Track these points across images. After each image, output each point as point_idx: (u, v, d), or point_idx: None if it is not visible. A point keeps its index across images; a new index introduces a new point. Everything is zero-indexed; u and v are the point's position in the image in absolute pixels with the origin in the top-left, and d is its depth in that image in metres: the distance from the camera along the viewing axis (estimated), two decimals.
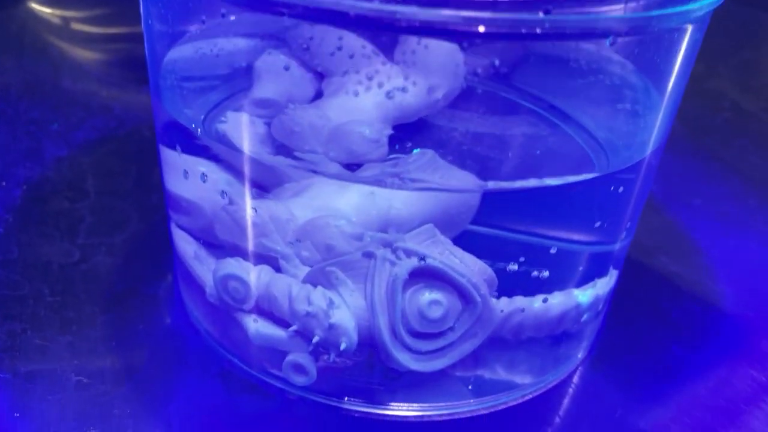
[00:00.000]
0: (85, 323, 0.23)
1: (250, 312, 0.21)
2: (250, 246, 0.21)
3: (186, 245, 0.23)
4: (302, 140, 0.23)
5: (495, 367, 0.24)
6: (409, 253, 0.20)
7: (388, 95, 0.24)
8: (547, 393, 0.23)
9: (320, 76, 0.26)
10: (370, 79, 0.24)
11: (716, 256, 0.30)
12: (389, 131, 0.23)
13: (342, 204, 0.21)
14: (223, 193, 0.21)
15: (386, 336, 0.20)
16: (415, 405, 0.22)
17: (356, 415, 0.21)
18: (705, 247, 0.31)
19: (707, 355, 0.24)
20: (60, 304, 0.23)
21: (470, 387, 0.23)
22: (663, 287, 0.28)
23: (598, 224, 0.22)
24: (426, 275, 0.20)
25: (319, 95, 0.25)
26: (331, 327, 0.20)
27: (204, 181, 0.21)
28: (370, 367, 0.22)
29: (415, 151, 0.23)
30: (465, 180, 0.22)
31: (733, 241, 0.31)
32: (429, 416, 0.22)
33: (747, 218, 0.33)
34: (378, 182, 0.21)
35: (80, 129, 0.33)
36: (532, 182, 0.20)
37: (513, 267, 0.21)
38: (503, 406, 0.22)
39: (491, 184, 0.21)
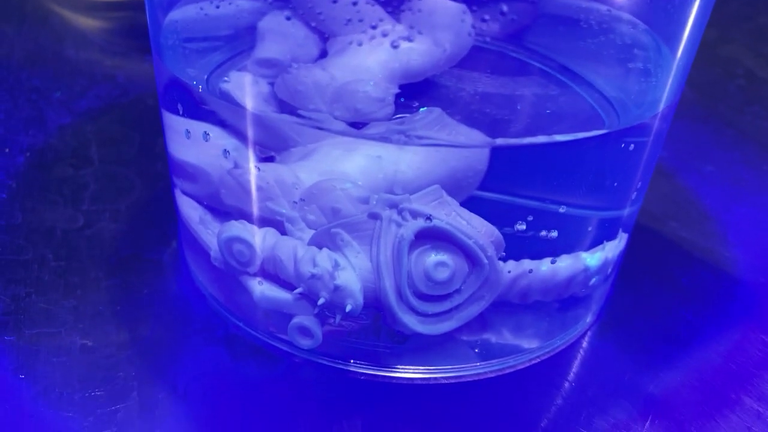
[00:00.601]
0: (90, 288, 0.23)
1: (255, 275, 0.21)
2: (255, 209, 0.21)
3: (190, 210, 0.23)
4: (306, 99, 0.22)
5: (502, 331, 0.23)
6: (415, 214, 0.20)
7: (394, 54, 0.24)
8: (554, 357, 0.23)
9: (325, 38, 0.25)
10: (374, 38, 0.24)
11: (728, 222, 0.29)
12: (395, 90, 0.23)
13: (348, 167, 0.21)
14: (225, 152, 0.20)
15: (392, 298, 0.20)
16: (422, 368, 0.22)
17: (362, 377, 0.21)
18: (716, 213, 0.30)
19: (717, 320, 0.24)
20: (64, 268, 0.23)
21: (477, 350, 0.23)
22: (673, 253, 0.27)
23: (607, 184, 0.21)
24: (432, 236, 0.20)
25: (323, 56, 0.25)
26: (337, 289, 0.20)
27: (207, 141, 0.21)
28: (376, 330, 0.22)
29: (422, 109, 0.22)
30: (473, 137, 0.21)
31: (745, 208, 0.30)
32: (435, 379, 0.22)
33: (760, 184, 0.32)
34: (384, 139, 0.20)
35: (84, 97, 0.33)
36: (540, 139, 0.20)
37: (521, 228, 0.20)
38: (510, 370, 0.22)
39: (500, 141, 0.21)
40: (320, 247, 0.20)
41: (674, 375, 0.22)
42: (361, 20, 0.24)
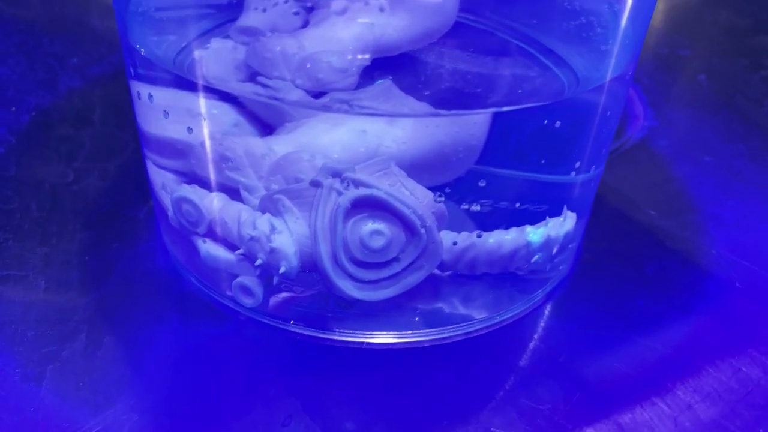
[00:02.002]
0: (65, 238, 0.24)
1: (204, 236, 0.22)
2: (216, 177, 0.22)
3: (155, 175, 0.24)
4: (272, 67, 0.23)
5: (452, 301, 0.24)
6: (357, 183, 0.21)
7: (368, 28, 0.24)
8: (501, 329, 0.23)
9: (310, 8, 0.26)
10: (354, 10, 0.24)
11: (712, 215, 0.29)
12: (362, 62, 0.23)
13: (328, 141, 0.22)
14: (189, 129, 0.21)
15: (327, 263, 0.21)
16: (365, 332, 0.23)
17: (298, 338, 0.22)
18: (703, 205, 0.29)
19: (670, 311, 0.24)
20: (45, 219, 0.25)
21: (426, 318, 0.23)
22: (644, 241, 0.27)
23: (544, 153, 0.21)
24: (370, 205, 0.21)
25: (305, 27, 0.25)
26: (272, 251, 0.20)
27: (167, 117, 0.22)
28: (324, 295, 0.23)
29: (378, 81, 0.23)
30: (417, 108, 0.22)
31: (734, 201, 0.29)
32: (380, 344, 0.22)
33: (757, 180, 0.31)
34: (326, 108, 0.21)
35: (99, 64, 0.35)
36: (479, 111, 0.20)
37: (468, 201, 0.21)
38: (457, 339, 0.23)
39: (442, 113, 0.21)
40: (265, 212, 0.21)
41: (613, 359, 0.22)
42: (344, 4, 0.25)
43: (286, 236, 0.21)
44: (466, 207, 0.21)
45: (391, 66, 0.24)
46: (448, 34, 0.25)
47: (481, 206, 0.21)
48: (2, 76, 0.31)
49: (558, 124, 0.21)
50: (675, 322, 0.23)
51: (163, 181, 0.24)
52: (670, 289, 0.25)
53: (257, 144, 0.22)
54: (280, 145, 0.22)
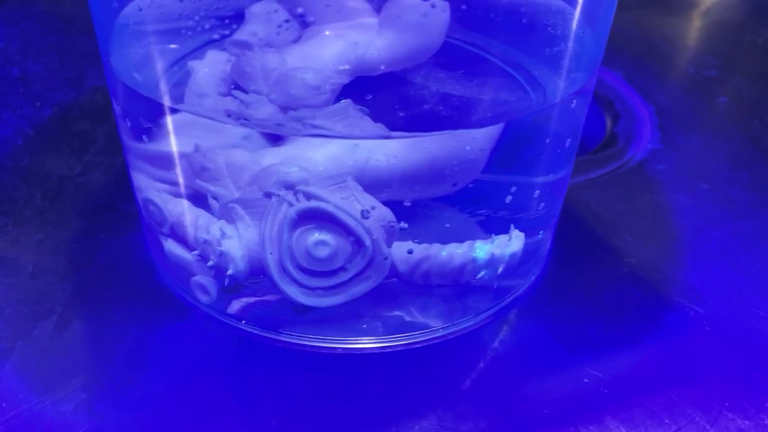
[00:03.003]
0: (60, 227, 0.27)
1: (168, 235, 0.24)
2: (189, 184, 0.24)
3: (137, 173, 0.26)
4: (251, 81, 0.25)
5: (410, 309, 0.25)
6: (308, 196, 0.22)
7: (351, 47, 0.25)
8: (455, 339, 0.24)
9: (305, 26, 0.27)
10: (342, 28, 0.26)
11: (692, 245, 0.28)
12: (339, 80, 0.25)
13: (318, 154, 0.23)
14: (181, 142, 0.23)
15: (273, 269, 0.22)
16: (319, 336, 0.24)
17: (249, 337, 0.23)
18: (685, 235, 0.29)
19: (620, 338, 0.24)
20: (46, 208, 0.28)
21: (386, 326, 0.24)
22: (612, 266, 0.27)
23: (483, 173, 0.22)
24: (317, 217, 0.22)
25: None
26: (221, 254, 0.22)
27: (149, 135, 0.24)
28: (283, 299, 0.24)
29: (342, 101, 0.24)
30: (369, 130, 0.23)
31: (718, 234, 0.29)
32: (332, 349, 0.24)
33: (749, 212, 0.30)
34: (277, 127, 0.23)
35: None
36: (434, 134, 0.21)
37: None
38: (414, 346, 0.24)
39: (395, 134, 0.22)
40: (222, 219, 0.23)
41: (556, 381, 0.22)
42: (339, 11, 0.26)
43: (235, 242, 0.22)
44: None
45: (374, 85, 0.25)
46: (435, 54, 0.25)
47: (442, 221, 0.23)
48: (33, 73, 0.34)
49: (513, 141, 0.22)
50: (619, 353, 0.23)
51: (137, 182, 0.26)
52: (624, 319, 0.25)
53: (239, 155, 0.23)
54: (269, 157, 0.23)
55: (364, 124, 0.23)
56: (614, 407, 0.22)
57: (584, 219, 0.29)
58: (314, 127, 0.23)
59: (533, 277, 0.26)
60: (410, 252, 0.23)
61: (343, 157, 0.23)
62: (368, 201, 0.22)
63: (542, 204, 0.24)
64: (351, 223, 0.21)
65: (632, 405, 0.22)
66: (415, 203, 0.23)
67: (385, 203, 0.22)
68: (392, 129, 0.23)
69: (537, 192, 0.24)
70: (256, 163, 0.23)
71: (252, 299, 0.24)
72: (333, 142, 0.23)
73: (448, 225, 0.24)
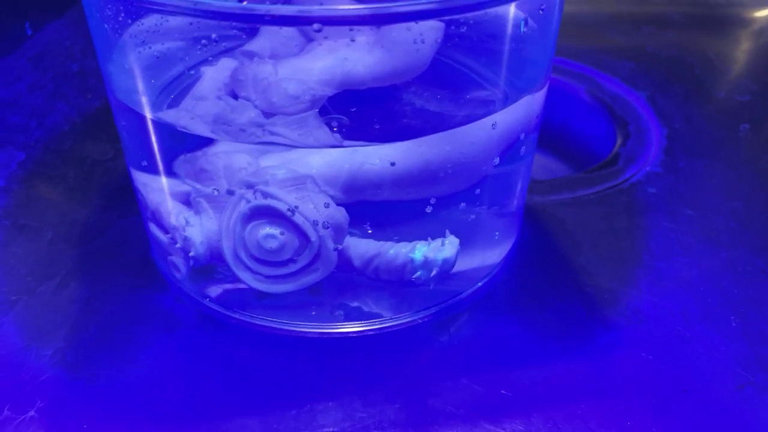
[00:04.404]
0: (82, 202, 0.31)
1: (150, 219, 0.28)
2: (176, 181, 0.27)
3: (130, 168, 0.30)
4: (243, 89, 0.28)
5: (365, 300, 0.27)
6: (265, 195, 0.25)
7: (340, 62, 0.28)
8: (403, 329, 0.27)
9: (310, 39, 0.30)
10: (339, 46, 0.28)
11: (655, 270, 0.29)
12: (321, 92, 0.27)
13: (315, 158, 0.26)
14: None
15: (228, 256, 0.26)
16: (275, 319, 0.27)
17: (211, 313, 0.27)
18: (652, 259, 0.29)
19: (549, 349, 0.25)
20: (74, 186, 0.32)
21: (341, 313, 0.27)
22: (564, 282, 0.28)
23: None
24: (269, 214, 0.25)
25: None
26: (185, 239, 0.26)
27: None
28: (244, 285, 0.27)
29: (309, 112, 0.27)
30: (323, 139, 0.25)
31: (687, 260, 0.29)
32: (283, 330, 0.27)
33: (729, 241, 0.30)
34: (239, 132, 0.26)
35: None
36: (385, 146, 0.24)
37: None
38: (368, 333, 0.26)
39: (346, 143, 0.25)
40: (193, 210, 0.26)
41: (461, 382, 0.24)
42: (333, 38, 0.29)
43: (197, 230, 0.26)
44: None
45: (360, 98, 0.27)
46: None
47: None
48: (89, 67, 0.39)
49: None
50: (540, 364, 0.25)
51: (130, 172, 0.29)
52: (559, 334, 0.26)
53: (238, 159, 0.27)
54: (269, 161, 0.26)
55: (320, 133, 0.26)
56: (516, 412, 0.23)
57: (553, 235, 0.31)
58: (272, 134, 0.26)
59: (480, 284, 0.28)
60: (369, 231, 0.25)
61: (339, 161, 0.26)
62: (321, 200, 0.25)
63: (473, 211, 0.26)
64: (297, 220, 0.24)
65: (533, 411, 0.23)
66: (380, 202, 0.26)
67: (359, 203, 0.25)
68: (368, 139, 0.25)
69: (483, 202, 0.26)
70: (252, 165, 0.26)
71: (216, 281, 0.28)
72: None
73: (406, 224, 0.26)
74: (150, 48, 0.28)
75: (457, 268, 0.27)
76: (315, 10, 0.18)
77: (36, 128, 0.34)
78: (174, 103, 0.27)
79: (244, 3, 0.19)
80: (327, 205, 0.25)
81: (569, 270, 0.29)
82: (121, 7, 0.23)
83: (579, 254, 0.30)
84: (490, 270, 0.29)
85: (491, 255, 0.29)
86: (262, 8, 0.18)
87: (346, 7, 0.19)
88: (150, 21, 0.29)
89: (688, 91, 0.41)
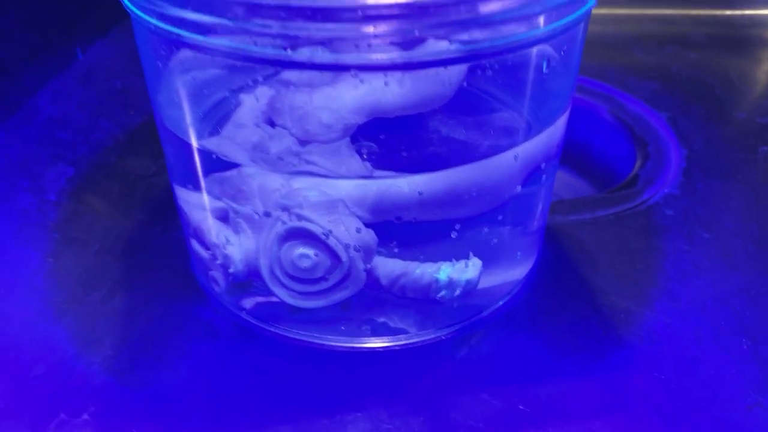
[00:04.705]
0: (127, 217, 0.33)
1: (192, 236, 0.29)
2: (217, 199, 0.29)
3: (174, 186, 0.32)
4: (279, 116, 0.30)
5: (392, 316, 0.29)
6: (299, 217, 0.27)
7: (370, 91, 0.29)
8: (428, 344, 0.28)
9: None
10: (369, 75, 0.30)
11: (670, 291, 0.30)
12: (353, 120, 0.29)
13: (344, 181, 0.28)
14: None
15: (265, 273, 0.27)
16: (302, 332, 0.29)
17: (247, 326, 0.29)
18: (667, 280, 0.30)
19: (565, 366, 0.26)
20: (118, 200, 0.34)
21: (368, 328, 0.29)
22: (582, 300, 0.29)
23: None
24: (303, 235, 0.27)
25: None
26: (225, 256, 0.27)
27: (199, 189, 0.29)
28: (279, 300, 0.29)
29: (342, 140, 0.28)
30: (355, 169, 0.27)
31: (702, 283, 0.30)
32: (319, 344, 0.28)
33: (743, 265, 0.31)
34: (278, 161, 0.27)
35: None
36: (416, 176, 0.25)
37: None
38: (395, 348, 0.28)
39: (376, 173, 0.26)
40: (232, 229, 0.28)
41: (479, 396, 0.26)
42: None
43: (236, 248, 0.27)
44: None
45: (388, 125, 0.29)
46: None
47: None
48: (134, 85, 0.41)
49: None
50: (557, 381, 0.26)
51: (174, 190, 0.31)
52: (575, 351, 0.27)
53: (272, 180, 0.28)
54: (300, 183, 0.28)
55: (352, 162, 0.28)
56: (532, 427, 0.25)
57: (572, 254, 0.32)
58: (308, 162, 0.27)
59: (501, 302, 0.29)
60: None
61: (367, 184, 0.27)
62: (352, 223, 0.27)
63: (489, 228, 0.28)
64: (331, 242, 0.26)
65: (549, 427, 0.25)
66: (407, 223, 0.27)
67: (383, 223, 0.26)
68: (396, 167, 0.27)
69: (505, 225, 0.27)
70: (285, 187, 0.28)
71: (253, 296, 0.29)
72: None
73: (432, 245, 0.27)
74: (193, 76, 0.30)
75: (480, 286, 0.28)
76: (351, 57, 0.20)
77: (82, 144, 0.36)
78: (216, 129, 0.29)
79: (288, 51, 0.21)
80: (359, 230, 0.26)
81: (587, 289, 0.30)
82: (175, 48, 0.25)
83: (597, 274, 0.31)
84: (512, 288, 0.30)
85: (513, 273, 0.30)
86: (304, 56, 0.20)
87: (381, 56, 0.21)
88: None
89: (708, 112, 0.42)
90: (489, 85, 0.30)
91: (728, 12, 0.49)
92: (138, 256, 0.31)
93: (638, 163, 0.39)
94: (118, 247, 0.32)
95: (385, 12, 0.20)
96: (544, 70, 0.24)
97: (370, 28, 0.20)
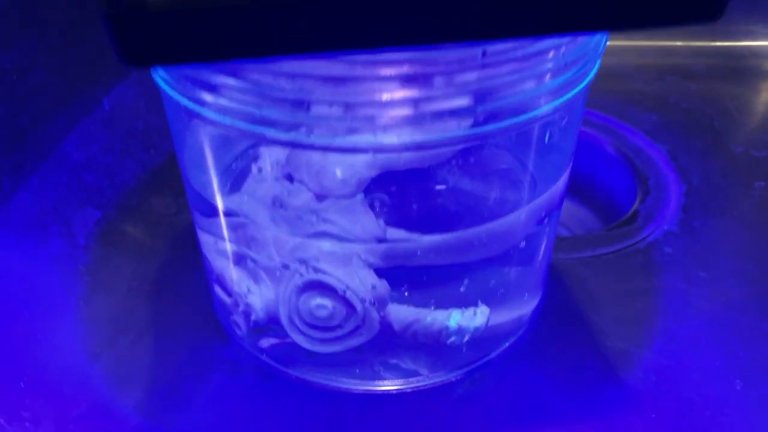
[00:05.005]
0: (151, 258, 0.35)
1: (215, 281, 0.31)
2: (236, 246, 0.31)
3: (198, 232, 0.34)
4: (298, 171, 0.31)
5: (404, 358, 0.31)
6: (316, 270, 0.28)
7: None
8: (438, 386, 0.30)
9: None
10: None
11: (667, 332, 0.31)
12: (366, 174, 0.31)
13: (359, 230, 0.30)
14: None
15: (284, 321, 0.29)
16: (319, 375, 0.31)
17: (267, 368, 0.30)
18: (665, 320, 0.32)
19: (565, 407, 0.28)
20: (143, 241, 0.36)
21: (381, 369, 0.30)
22: (582, 341, 0.31)
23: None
24: (320, 287, 0.28)
25: None
26: (247, 305, 0.29)
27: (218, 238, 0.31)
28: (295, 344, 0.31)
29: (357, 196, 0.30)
30: (368, 228, 0.29)
31: (698, 324, 0.32)
32: (336, 387, 0.30)
33: (738, 306, 0.33)
34: (297, 219, 0.29)
35: None
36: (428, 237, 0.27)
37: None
38: (407, 390, 0.30)
39: (389, 234, 0.28)
40: (252, 279, 0.30)
41: None
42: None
43: (257, 297, 0.29)
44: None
45: (398, 177, 0.30)
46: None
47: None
48: (152, 124, 0.43)
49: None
50: (556, 423, 0.28)
51: (198, 237, 0.33)
52: (576, 393, 0.29)
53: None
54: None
55: (366, 220, 0.29)
56: None
57: (574, 295, 0.34)
58: (325, 221, 0.29)
59: (507, 344, 0.31)
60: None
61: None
62: (365, 275, 0.28)
63: (515, 283, 0.29)
64: (347, 294, 0.28)
65: None
66: (419, 271, 0.29)
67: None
68: (406, 222, 0.28)
69: (512, 272, 0.29)
70: (297, 238, 0.30)
71: (273, 340, 0.31)
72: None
73: (441, 289, 0.29)
74: (211, 135, 0.32)
75: (489, 323, 0.30)
76: (368, 142, 0.22)
77: (108, 187, 0.38)
78: (237, 183, 0.31)
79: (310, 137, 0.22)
80: (374, 287, 0.28)
81: (588, 330, 0.32)
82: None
83: (597, 314, 0.33)
84: (518, 328, 0.32)
85: (519, 312, 0.32)
86: (324, 140, 0.22)
87: (396, 140, 0.22)
88: None
89: (706, 145, 0.44)
90: (494, 137, 0.32)
91: (728, 43, 0.50)
92: (164, 297, 0.33)
93: (638, 198, 0.40)
94: (144, 289, 0.33)
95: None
96: (546, 140, 0.26)
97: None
